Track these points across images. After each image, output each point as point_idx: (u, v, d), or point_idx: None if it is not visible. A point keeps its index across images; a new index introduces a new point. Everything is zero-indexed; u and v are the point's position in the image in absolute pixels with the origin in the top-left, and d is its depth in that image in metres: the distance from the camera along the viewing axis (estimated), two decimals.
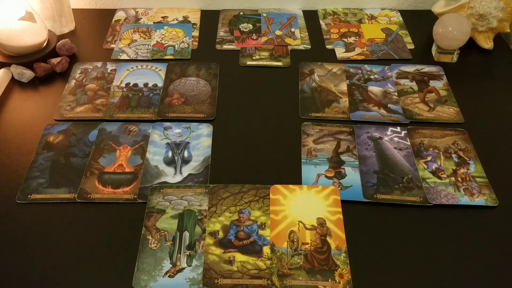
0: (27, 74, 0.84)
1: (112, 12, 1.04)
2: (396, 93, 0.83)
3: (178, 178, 0.69)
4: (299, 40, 0.96)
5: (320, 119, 0.78)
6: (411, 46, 0.95)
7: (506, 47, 0.96)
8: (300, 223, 0.62)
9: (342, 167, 0.70)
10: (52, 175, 0.69)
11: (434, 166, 0.71)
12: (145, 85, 0.84)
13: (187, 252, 0.59)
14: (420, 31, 0.99)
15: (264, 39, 0.96)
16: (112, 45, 0.94)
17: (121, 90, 0.83)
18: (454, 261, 0.59)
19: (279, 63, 0.90)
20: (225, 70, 0.88)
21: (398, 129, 0.77)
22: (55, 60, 0.86)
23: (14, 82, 0.84)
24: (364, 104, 0.81)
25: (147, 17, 1.02)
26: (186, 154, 0.72)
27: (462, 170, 0.70)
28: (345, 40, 0.96)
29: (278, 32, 0.98)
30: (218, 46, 0.95)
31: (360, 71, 0.88)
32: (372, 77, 0.87)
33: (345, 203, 0.65)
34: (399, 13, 1.04)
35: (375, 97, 0.83)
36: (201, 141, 0.74)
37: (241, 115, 0.79)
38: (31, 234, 0.61)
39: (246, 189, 0.67)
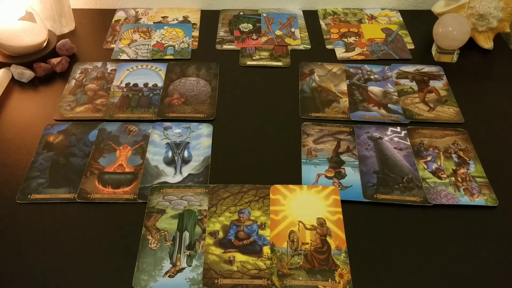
0: (27, 74, 0.84)
1: (112, 12, 1.04)
2: (396, 93, 0.83)
3: (178, 178, 0.69)
4: (299, 40, 0.96)
5: (320, 119, 0.79)
6: (411, 46, 0.95)
7: (506, 47, 0.96)
8: (300, 223, 0.62)
9: (342, 167, 0.71)
10: (52, 175, 0.69)
11: (434, 166, 0.71)
12: (145, 85, 0.84)
13: (187, 252, 0.59)
14: (420, 31, 0.99)
15: (264, 39, 0.96)
16: (112, 45, 0.94)
17: (121, 90, 0.83)
18: (454, 261, 0.59)
19: (279, 63, 0.90)
20: (225, 70, 0.88)
21: (398, 129, 0.77)
22: (55, 60, 0.86)
23: (14, 82, 0.84)
24: (364, 104, 0.81)
25: (147, 17, 1.02)
26: (186, 154, 0.72)
27: (462, 170, 0.70)
28: (345, 40, 0.96)
29: (278, 32, 0.98)
30: (218, 46, 0.95)
31: (360, 71, 0.88)
32: (372, 77, 0.87)
33: (345, 203, 0.65)
34: (399, 13, 1.04)
35: (375, 97, 0.83)
36: (201, 141, 0.74)
37: (241, 115, 0.79)
38: (31, 234, 0.61)
39: (246, 189, 0.67)
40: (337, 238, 0.61)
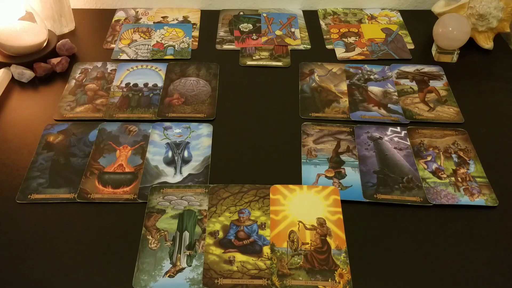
0: (27, 74, 0.84)
1: (112, 12, 1.04)
2: (396, 93, 0.83)
3: (178, 178, 0.69)
4: (299, 40, 0.96)
5: (320, 119, 0.78)
6: (411, 46, 0.95)
7: (506, 47, 0.96)
8: (300, 223, 0.62)
9: (342, 167, 0.70)
10: (52, 175, 0.69)
11: (434, 166, 0.71)
12: (145, 85, 0.84)
13: (187, 252, 0.59)
14: (420, 31, 0.99)
15: (264, 39, 0.96)
16: (112, 45, 0.94)
17: (121, 90, 0.83)
18: (454, 261, 0.59)
19: (279, 63, 0.90)
20: (225, 70, 0.88)
21: (398, 129, 0.77)
22: (55, 60, 0.86)
23: (14, 82, 0.84)
24: (364, 104, 0.81)
25: (147, 17, 1.02)
26: (186, 154, 0.72)
27: (462, 170, 0.70)
28: (345, 40, 0.96)
29: (278, 32, 0.98)
30: (218, 46, 0.95)
31: (360, 71, 0.88)
32: (372, 77, 0.87)
33: (345, 203, 0.65)
34: (399, 13, 1.04)
35: (375, 97, 0.83)
36: (201, 141, 0.74)
37: (241, 115, 0.79)
38: (31, 234, 0.61)
39: (246, 189, 0.67)
40: (337, 238, 0.61)
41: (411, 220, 0.64)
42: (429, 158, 0.72)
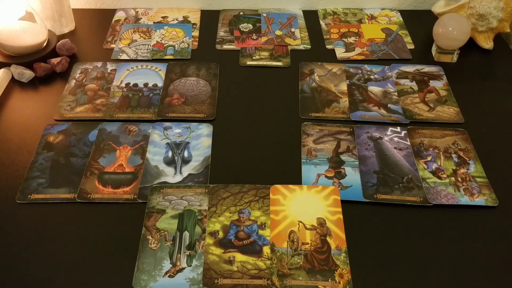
0: (27, 74, 0.84)
1: (112, 12, 1.04)
2: (396, 93, 0.83)
3: (178, 178, 0.69)
4: (299, 40, 0.96)
5: (320, 119, 0.78)
6: (411, 46, 0.95)
7: (506, 47, 0.96)
8: (300, 223, 0.62)
9: (342, 167, 0.71)
10: (52, 175, 0.69)
11: (434, 166, 0.71)
12: (145, 85, 0.84)
13: (187, 252, 0.59)
14: (420, 31, 0.99)
15: (264, 39, 0.96)
16: (112, 45, 0.94)
17: (121, 90, 0.83)
18: (454, 261, 0.59)
19: (279, 63, 0.90)
20: (225, 70, 0.88)
21: (398, 129, 0.77)
22: (55, 60, 0.86)
23: (14, 82, 0.84)
24: (364, 104, 0.81)
25: (147, 17, 1.02)
26: (186, 154, 0.72)
27: (462, 170, 0.70)
28: (345, 40, 0.96)
29: (278, 32, 0.98)
30: (218, 46, 0.95)
31: (360, 71, 0.88)
32: (372, 77, 0.87)
33: (345, 203, 0.65)
34: (399, 13, 1.04)
35: (375, 97, 0.83)
36: (201, 141, 0.74)
37: (241, 115, 0.79)
38: (31, 234, 0.61)
39: (246, 189, 0.67)
40: (337, 238, 0.61)
41: (411, 220, 0.64)
42: (429, 158, 0.72)
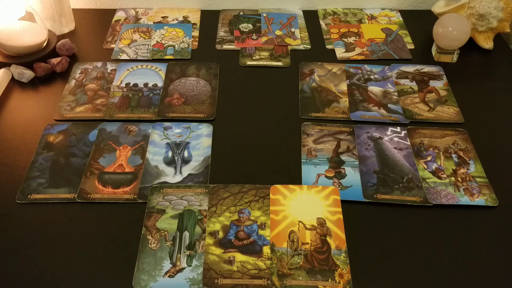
0: (27, 74, 0.84)
1: (112, 12, 1.04)
2: (396, 93, 0.83)
3: (178, 178, 0.69)
4: (299, 40, 0.96)
5: (320, 119, 0.78)
6: (411, 46, 0.95)
7: (506, 47, 0.96)
8: (300, 223, 0.62)
9: (342, 167, 0.70)
10: (52, 175, 0.69)
11: (434, 166, 0.71)
12: (145, 85, 0.84)
13: (187, 252, 0.59)
14: (420, 31, 0.99)
15: (264, 39, 0.96)
16: (112, 45, 0.94)
17: (121, 90, 0.83)
18: (454, 261, 0.59)
19: (279, 63, 0.90)
20: (225, 70, 0.88)
21: (398, 129, 0.77)
22: (55, 60, 0.86)
23: (14, 82, 0.84)
24: (364, 104, 0.81)
25: (147, 17, 1.02)
26: (186, 154, 0.72)
27: (462, 170, 0.70)
28: (345, 40, 0.96)
29: (278, 32, 0.98)
30: (218, 46, 0.95)
31: (360, 71, 0.88)
32: (372, 77, 0.87)
33: (345, 203, 0.65)
34: (399, 13, 1.04)
35: (375, 97, 0.83)
36: (201, 141, 0.74)
37: (241, 115, 0.79)
38: (31, 234, 0.61)
39: (246, 189, 0.67)
40: (337, 238, 0.61)
41: (411, 220, 0.64)
42: (429, 158, 0.72)
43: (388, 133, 0.76)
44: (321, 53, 0.93)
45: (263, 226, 0.62)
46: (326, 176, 0.69)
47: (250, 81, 0.87)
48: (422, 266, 0.59)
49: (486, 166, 0.71)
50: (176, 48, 0.93)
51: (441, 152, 0.73)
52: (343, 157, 0.72)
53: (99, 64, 0.89)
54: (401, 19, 1.03)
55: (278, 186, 0.67)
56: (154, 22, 1.01)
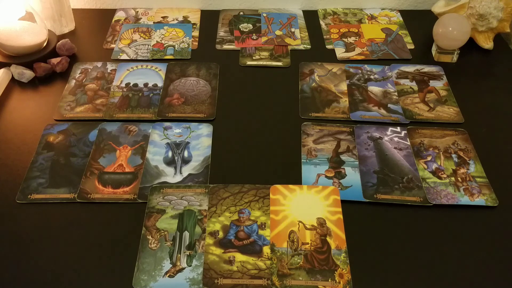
0: (27, 74, 0.84)
1: (112, 12, 1.04)
2: (396, 93, 0.83)
3: (178, 178, 0.69)
4: (299, 40, 0.96)
5: (320, 119, 0.78)
6: (411, 46, 0.95)
7: (506, 47, 0.96)
8: (300, 223, 0.62)
9: (342, 167, 0.71)
10: (52, 175, 0.69)
11: (434, 166, 0.71)
12: (145, 85, 0.84)
13: (187, 252, 0.59)
14: (420, 31, 0.99)
15: (264, 39, 0.96)
16: (112, 45, 0.94)
17: (121, 90, 0.83)
18: (454, 261, 0.59)
19: (279, 63, 0.90)
20: (225, 70, 0.88)
21: (398, 129, 0.77)
22: (55, 60, 0.86)
23: (14, 82, 0.84)
24: (364, 104, 0.81)
25: (147, 17, 1.02)
26: (186, 154, 0.72)
27: (462, 170, 0.70)
28: (345, 40, 0.96)
29: (278, 32, 0.98)
30: (218, 46, 0.95)
31: (360, 71, 0.88)
32: (372, 77, 0.87)
33: (345, 203, 0.65)
34: (399, 13, 1.04)
35: (375, 97, 0.83)
36: (201, 141, 0.74)
37: (241, 115, 0.79)
38: (31, 234, 0.61)
39: (246, 189, 0.67)
40: (337, 238, 0.61)
41: (411, 220, 0.64)
42: (429, 158, 0.72)
43: (388, 133, 0.76)
44: (321, 53, 0.93)
45: (263, 226, 0.62)
46: (326, 176, 0.69)
47: (250, 81, 0.87)
48: (422, 266, 0.59)
49: (486, 166, 0.71)
50: (176, 48, 0.93)
51: (441, 152, 0.73)
52: (343, 157, 0.72)
53: (99, 64, 0.89)
54: (401, 19, 1.03)
55: (278, 186, 0.67)
56: (154, 22, 1.01)
